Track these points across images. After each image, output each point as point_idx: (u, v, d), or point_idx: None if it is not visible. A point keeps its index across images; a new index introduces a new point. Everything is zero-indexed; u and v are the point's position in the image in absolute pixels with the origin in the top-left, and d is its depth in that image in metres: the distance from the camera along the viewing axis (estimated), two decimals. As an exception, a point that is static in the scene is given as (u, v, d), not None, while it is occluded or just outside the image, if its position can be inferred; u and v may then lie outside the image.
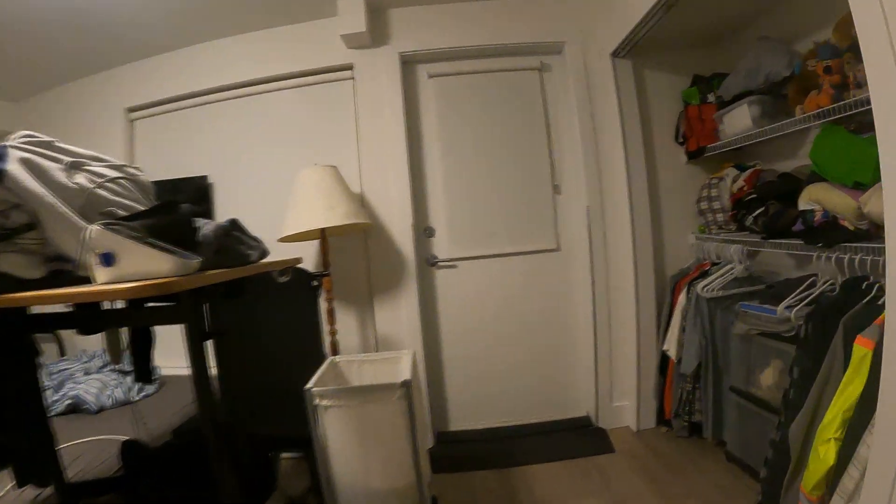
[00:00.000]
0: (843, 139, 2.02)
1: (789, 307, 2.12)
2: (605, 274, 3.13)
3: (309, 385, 1.95)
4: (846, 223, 2.00)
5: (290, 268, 2.16)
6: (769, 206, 2.45)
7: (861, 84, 1.84)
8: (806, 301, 2.09)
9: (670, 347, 2.81)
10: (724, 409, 2.65)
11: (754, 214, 2.56)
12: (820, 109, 2.05)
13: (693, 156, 3.02)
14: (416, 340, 3.11)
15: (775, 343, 2.22)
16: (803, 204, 2.18)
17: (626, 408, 3.19)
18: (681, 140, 3.10)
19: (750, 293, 2.61)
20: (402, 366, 2.30)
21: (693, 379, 2.73)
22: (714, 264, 2.80)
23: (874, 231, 1.90)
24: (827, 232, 2.05)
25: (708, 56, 3.10)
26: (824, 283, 2.13)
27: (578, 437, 3.12)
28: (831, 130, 2.09)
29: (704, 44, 3.09)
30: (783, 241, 2.31)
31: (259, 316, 2.20)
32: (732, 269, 2.66)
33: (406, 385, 1.90)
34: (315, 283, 2.62)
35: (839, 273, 2.03)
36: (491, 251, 3.25)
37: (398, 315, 3.15)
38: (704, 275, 2.77)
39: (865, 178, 1.87)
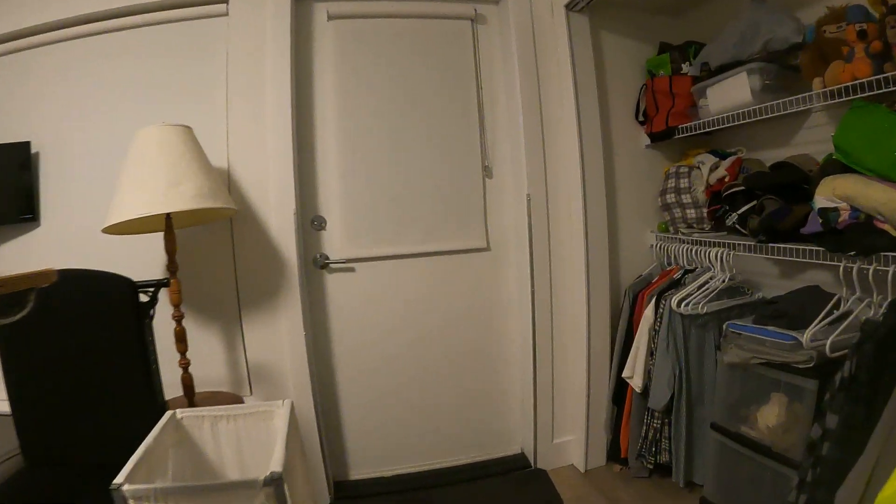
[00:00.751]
0: (887, 120, 1.68)
1: (815, 336, 1.77)
2: (547, 280, 2.65)
3: (119, 480, 1.24)
4: (888, 227, 1.66)
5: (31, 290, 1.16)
6: (765, 202, 2.07)
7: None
8: (842, 328, 1.74)
9: (634, 375, 2.41)
10: (699, 449, 2.33)
11: (740, 211, 2.19)
12: (856, 81, 1.68)
13: (658, 138, 2.63)
14: (301, 368, 2.45)
15: (780, 374, 1.89)
16: (822, 200, 1.81)
17: (570, 444, 2.77)
18: (641, 119, 2.70)
19: (739, 309, 2.30)
20: (276, 423, 1.64)
21: (664, 414, 2.35)
22: (688, 271, 2.41)
23: None
24: (858, 236, 1.72)
25: (675, 24, 2.75)
26: (857, 302, 1.80)
27: (514, 484, 2.65)
28: (867, 110, 1.74)
29: (673, 10, 2.74)
30: (787, 245, 1.96)
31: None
32: (713, 277, 2.27)
33: (274, 481, 1.24)
34: (147, 296, 1.85)
35: (847, 286, 1.79)
36: (400, 250, 2.65)
37: (276, 334, 2.46)
38: (675, 284, 2.38)
39: None
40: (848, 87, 1.71)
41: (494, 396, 2.82)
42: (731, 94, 2.17)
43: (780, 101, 1.95)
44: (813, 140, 2.18)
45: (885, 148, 1.65)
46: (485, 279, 2.75)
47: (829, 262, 1.81)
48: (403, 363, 2.68)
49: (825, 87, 1.79)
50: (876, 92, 1.63)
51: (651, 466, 2.44)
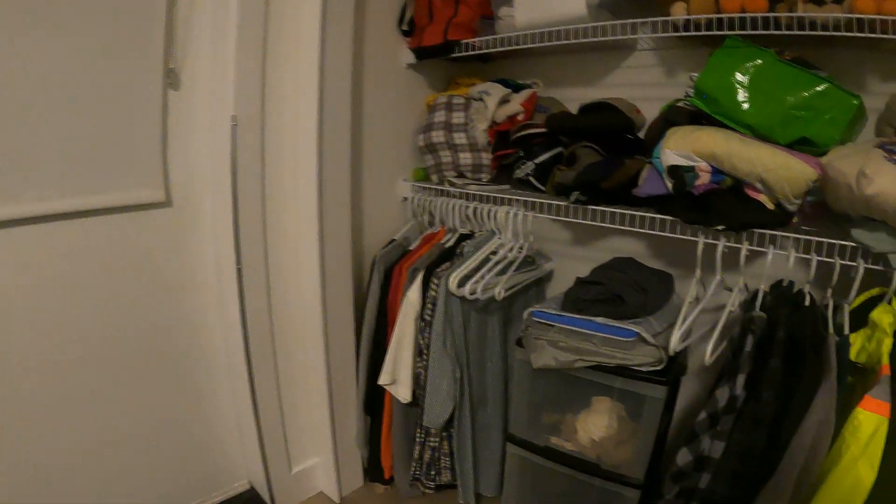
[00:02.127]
0: (776, 69, 1.49)
1: (684, 336, 1.50)
2: (261, 249, 1.94)
3: None
4: (763, 198, 1.48)
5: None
6: (578, 151, 1.78)
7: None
8: (722, 324, 1.48)
9: (397, 382, 1.97)
10: (486, 459, 2.05)
11: (539, 160, 1.88)
12: (747, 14, 1.46)
13: (427, 54, 2.10)
14: None
15: (613, 379, 1.64)
16: (674, 156, 1.54)
17: (316, 469, 2.25)
18: (406, 28, 2.14)
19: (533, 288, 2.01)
20: None
21: (442, 428, 1.97)
22: (464, 236, 1.98)
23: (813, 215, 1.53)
24: (727, 207, 1.50)
25: None
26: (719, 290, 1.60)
27: None
28: (747, 53, 1.52)
29: None
30: (627, 211, 1.67)
31: None
32: (501, 246, 1.91)
33: None
34: None
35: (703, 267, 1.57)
36: (13, 212, 1.59)
37: None
38: (449, 255, 1.96)
39: (831, 134, 1.43)
40: (722, 19, 1.48)
41: (198, 417, 2.10)
42: (555, 5, 1.75)
43: (628, 22, 1.63)
44: (631, 83, 1.97)
45: (773, 101, 1.46)
46: (165, 250, 1.92)
47: (675, 236, 1.60)
48: (42, 386, 1.72)
49: (689, 14, 1.53)
50: (753, 31, 1.45)
51: (431, 490, 2.10)
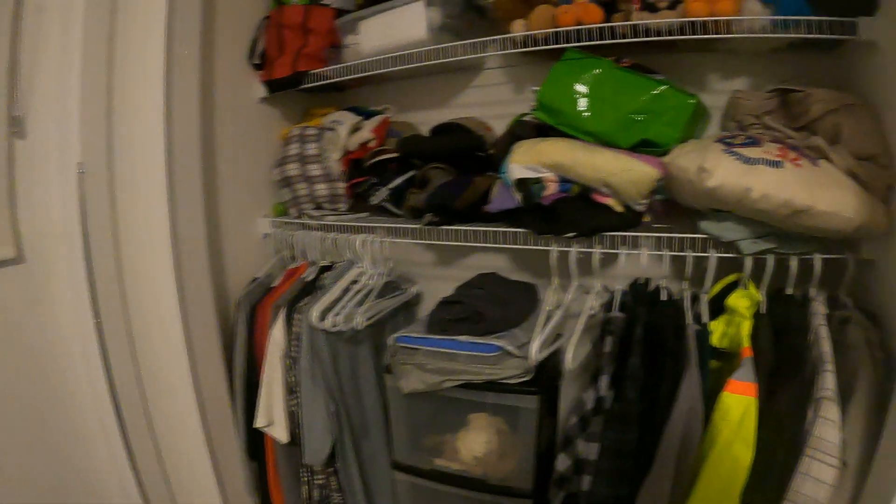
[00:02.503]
0: (614, 77, 1.42)
1: (542, 345, 1.38)
2: (120, 302, 1.65)
3: None
4: (612, 201, 1.39)
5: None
6: (429, 173, 1.64)
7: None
8: (580, 328, 1.37)
9: (273, 423, 1.71)
10: (378, 489, 1.82)
11: (394, 185, 1.72)
12: (583, 26, 1.38)
13: (279, 87, 1.88)
14: None
15: (485, 395, 1.49)
16: (520, 169, 1.44)
17: None
18: (257, 62, 1.91)
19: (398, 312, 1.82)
20: None
21: (326, 464, 1.74)
22: (324, 268, 1.77)
23: (664, 213, 1.44)
24: (576, 213, 1.40)
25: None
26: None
27: None
28: (586, 64, 1.44)
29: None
30: (479, 227, 1.53)
31: None
32: (363, 274, 1.69)
33: None
34: None
35: (560, 275, 1.47)
36: None
37: None
38: (310, 289, 1.73)
39: (671, 134, 1.36)
40: (559, 33, 1.40)
41: (77, 484, 1.70)
42: (398, 30, 1.63)
43: (469, 42, 1.53)
44: (481, 102, 1.84)
45: (613, 108, 1.38)
46: (20, 309, 1.56)
47: (530, 247, 1.48)
48: None
49: (528, 30, 1.43)
50: (591, 42, 1.38)
51: None
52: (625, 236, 1.38)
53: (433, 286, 1.85)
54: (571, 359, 1.28)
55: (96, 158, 1.54)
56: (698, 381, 1.17)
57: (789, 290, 1.28)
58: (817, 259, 1.23)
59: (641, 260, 1.36)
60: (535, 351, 1.32)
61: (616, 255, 1.39)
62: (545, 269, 1.47)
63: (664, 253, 1.35)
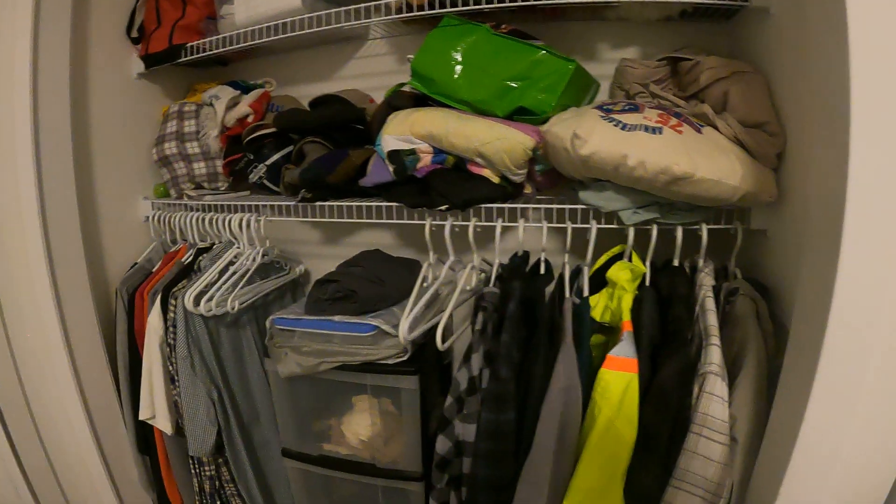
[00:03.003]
0: (491, 43, 1.20)
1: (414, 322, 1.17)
2: None
3: None
4: (487, 172, 1.18)
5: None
6: (305, 147, 1.37)
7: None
8: (453, 303, 1.16)
9: (156, 415, 1.44)
10: (274, 476, 1.58)
11: (270, 161, 1.45)
12: None
13: (155, 61, 1.55)
14: None
15: (364, 377, 1.28)
16: (394, 141, 1.22)
17: None
18: (136, 35, 1.57)
19: (278, 293, 1.57)
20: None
21: (214, 455, 1.48)
22: (202, 251, 1.50)
23: (547, 184, 1.26)
24: (450, 185, 1.18)
25: None
26: (449, 268, 1.26)
27: None
28: (461, 30, 1.22)
29: None
30: (348, 203, 1.31)
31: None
32: (240, 255, 1.44)
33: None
34: None
35: (435, 249, 1.25)
36: None
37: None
38: (187, 273, 1.46)
39: (547, 100, 1.15)
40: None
41: None
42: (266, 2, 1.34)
43: (338, 10, 1.27)
44: (366, 73, 1.59)
45: (488, 74, 1.16)
46: None
47: (406, 222, 1.25)
48: None
49: None
50: (470, 8, 1.17)
51: None
52: (501, 208, 1.17)
53: (321, 265, 1.60)
54: (441, 337, 1.06)
55: None
56: (573, 358, 0.98)
57: (675, 262, 1.12)
58: (704, 229, 1.07)
59: (519, 233, 1.15)
60: (405, 329, 1.09)
61: (506, 228, 1.19)
62: (440, 248, 1.26)
63: (543, 225, 1.15)
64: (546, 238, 1.14)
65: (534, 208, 1.17)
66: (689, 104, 1.19)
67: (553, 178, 1.23)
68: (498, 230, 1.14)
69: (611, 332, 1.11)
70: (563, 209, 1.14)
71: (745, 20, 1.21)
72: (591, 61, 1.38)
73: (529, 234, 1.17)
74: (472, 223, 1.16)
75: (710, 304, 1.00)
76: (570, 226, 1.14)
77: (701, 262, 1.09)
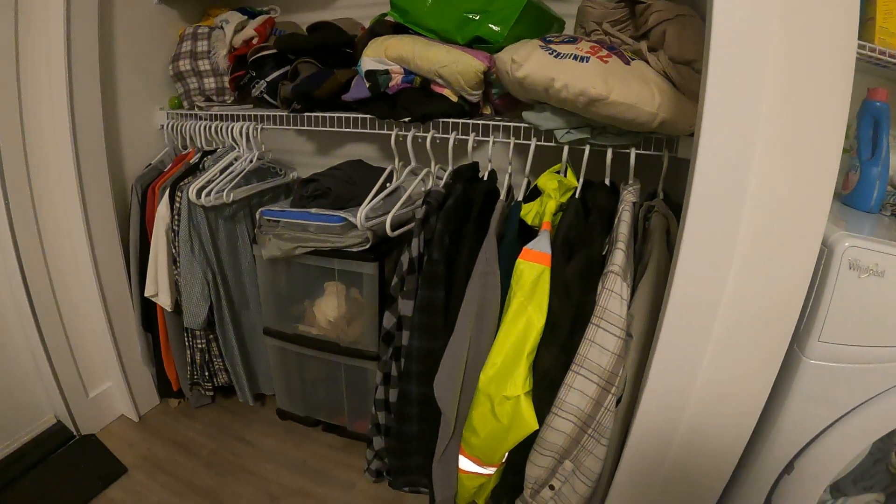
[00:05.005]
0: None
1: (370, 215, 1.42)
2: (25, 186, 1.62)
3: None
4: (447, 91, 1.38)
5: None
6: (299, 66, 1.60)
7: None
8: (400, 202, 1.42)
9: (159, 292, 1.71)
10: (258, 358, 1.88)
11: (269, 78, 1.68)
12: None
13: None
14: None
15: (332, 262, 1.52)
16: (371, 62, 1.42)
17: (111, 392, 1.92)
18: None
19: (272, 193, 1.83)
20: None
21: (206, 330, 1.76)
22: (207, 153, 1.77)
23: (505, 107, 1.43)
24: (413, 102, 1.40)
25: None
26: (411, 174, 1.51)
27: (60, 468, 1.70)
28: None
29: None
30: (326, 114, 1.54)
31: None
32: (238, 158, 1.70)
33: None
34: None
35: (401, 157, 1.49)
36: None
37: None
38: (193, 171, 1.72)
39: (501, 31, 1.32)
40: None
41: None
42: None
43: None
44: (360, 3, 1.79)
45: (451, 6, 1.34)
46: None
47: (377, 132, 1.47)
48: None
49: None
50: None
51: (211, 393, 1.92)
52: (456, 123, 1.38)
53: (312, 172, 1.85)
54: (389, 224, 1.29)
55: (2, 51, 1.50)
56: (494, 249, 1.17)
57: (607, 181, 1.30)
58: (633, 153, 1.25)
59: (468, 145, 1.36)
60: (362, 218, 1.33)
61: (458, 144, 1.39)
62: (405, 156, 1.47)
63: (490, 139, 1.35)
64: (492, 151, 1.35)
65: (483, 124, 1.37)
66: (639, 43, 1.32)
67: (509, 101, 1.42)
68: (451, 141, 1.35)
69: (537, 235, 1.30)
70: (509, 126, 1.34)
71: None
72: (558, 1, 1.54)
73: (482, 147, 1.37)
74: (429, 134, 1.38)
75: (627, 216, 1.15)
76: (512, 141, 1.34)
77: (630, 182, 1.26)
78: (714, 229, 0.87)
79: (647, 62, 1.22)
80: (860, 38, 1.20)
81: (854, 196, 1.20)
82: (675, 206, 1.18)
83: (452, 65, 1.30)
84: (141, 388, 1.95)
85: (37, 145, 1.62)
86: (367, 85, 1.40)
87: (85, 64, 1.59)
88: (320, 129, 1.52)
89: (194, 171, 1.68)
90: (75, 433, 1.83)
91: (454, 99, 1.37)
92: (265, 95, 1.64)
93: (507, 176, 1.36)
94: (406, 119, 1.37)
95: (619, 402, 1.07)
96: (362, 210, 1.33)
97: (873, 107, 1.15)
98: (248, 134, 1.66)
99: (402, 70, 1.39)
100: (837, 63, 0.78)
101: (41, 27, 1.53)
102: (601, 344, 1.02)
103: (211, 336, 1.76)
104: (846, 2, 0.76)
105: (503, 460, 1.21)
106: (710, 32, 0.79)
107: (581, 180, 1.28)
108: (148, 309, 1.81)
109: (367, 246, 1.42)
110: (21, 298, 1.66)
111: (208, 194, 1.55)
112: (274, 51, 1.64)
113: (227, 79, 1.75)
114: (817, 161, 0.82)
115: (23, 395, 1.79)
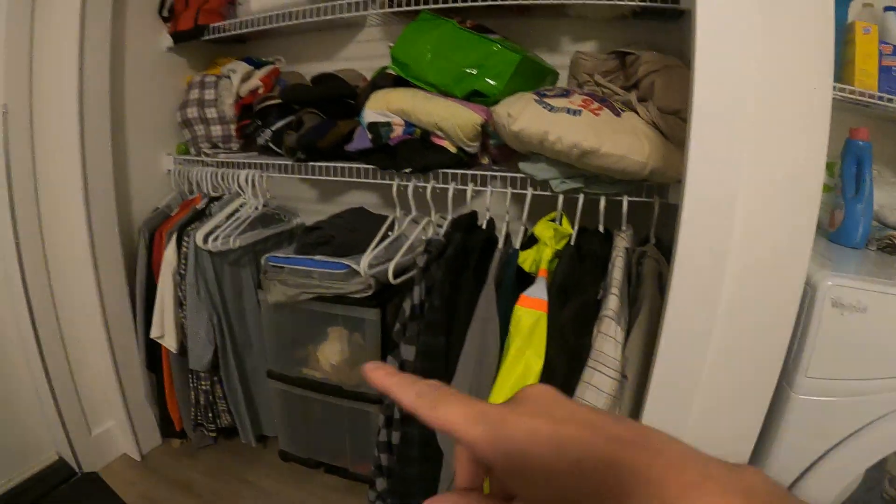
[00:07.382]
0: (455, 35, 1.47)
1: (373, 262, 1.51)
2: (35, 226, 1.72)
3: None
4: (447, 143, 1.47)
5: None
6: (304, 117, 1.70)
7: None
8: (403, 249, 1.51)
9: (165, 334, 1.79)
10: (261, 400, 1.95)
11: (275, 127, 1.76)
12: None
13: (183, 38, 1.91)
14: None
15: (336, 308, 1.60)
16: (373, 114, 1.52)
17: (114, 431, 1.98)
18: (166, 14, 1.93)
19: (276, 238, 1.91)
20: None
21: (210, 372, 1.83)
22: (213, 199, 1.86)
23: (501, 157, 1.53)
24: (414, 153, 1.49)
25: None
26: (413, 223, 1.61)
27: (61, 503, 1.75)
28: (434, 24, 1.50)
29: None
30: (329, 164, 1.64)
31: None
32: (244, 204, 1.79)
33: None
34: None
35: (402, 206, 1.56)
36: None
37: None
38: (199, 216, 1.81)
39: (497, 85, 1.41)
40: None
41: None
42: None
43: (342, 3, 1.58)
44: (363, 56, 1.90)
45: (450, 62, 1.44)
46: None
47: (379, 181, 1.56)
48: None
49: None
50: (446, 6, 1.45)
51: (214, 433, 1.96)
52: (455, 173, 1.47)
53: (315, 219, 1.94)
54: (393, 273, 1.37)
55: (19, 100, 1.61)
56: (493, 296, 1.25)
57: (601, 228, 1.37)
58: (625, 200, 1.32)
59: (467, 195, 1.44)
60: (365, 265, 1.41)
61: (459, 190, 1.47)
62: (406, 205, 1.56)
63: (488, 189, 1.44)
64: (490, 200, 1.43)
65: (481, 175, 1.46)
66: (630, 93, 1.41)
67: (506, 152, 1.51)
68: (450, 191, 1.44)
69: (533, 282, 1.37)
70: (506, 177, 1.43)
71: (687, 20, 1.41)
72: (553, 53, 1.65)
73: (481, 195, 1.45)
74: (430, 185, 1.47)
75: (620, 262, 1.23)
76: (509, 191, 1.42)
77: (623, 228, 1.34)
78: (701, 273, 0.96)
79: (636, 112, 1.31)
80: (841, 80, 1.31)
81: (840, 233, 1.28)
82: (668, 249, 1.23)
83: (451, 118, 1.40)
84: (144, 428, 2.01)
85: (47, 185, 1.71)
86: (370, 137, 1.49)
87: (96, 109, 1.69)
88: (323, 178, 1.61)
89: (201, 216, 1.78)
90: (77, 470, 1.89)
91: (453, 150, 1.46)
92: (270, 144, 1.74)
93: (504, 224, 1.44)
94: (407, 170, 1.45)
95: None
96: (366, 258, 1.41)
97: (856, 146, 1.24)
98: (253, 181, 1.75)
99: (404, 122, 1.48)
100: (814, 108, 0.87)
101: (54, 73, 1.63)
102: (597, 386, 1.08)
103: (215, 378, 1.83)
104: (820, 53, 0.85)
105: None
106: (693, 88, 0.88)
107: (576, 227, 1.35)
108: (153, 349, 1.88)
109: (370, 292, 1.50)
110: (28, 335, 1.73)
111: (215, 239, 1.63)
112: (279, 101, 1.74)
113: (233, 127, 1.85)
114: (798, 206, 0.91)
115: (26, 431, 1.84)
